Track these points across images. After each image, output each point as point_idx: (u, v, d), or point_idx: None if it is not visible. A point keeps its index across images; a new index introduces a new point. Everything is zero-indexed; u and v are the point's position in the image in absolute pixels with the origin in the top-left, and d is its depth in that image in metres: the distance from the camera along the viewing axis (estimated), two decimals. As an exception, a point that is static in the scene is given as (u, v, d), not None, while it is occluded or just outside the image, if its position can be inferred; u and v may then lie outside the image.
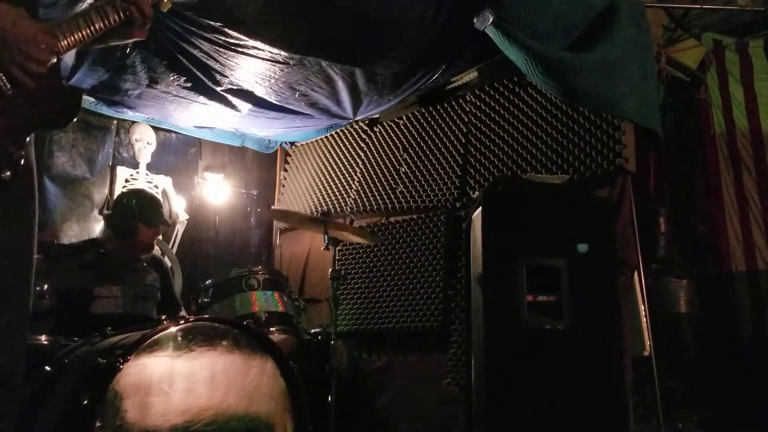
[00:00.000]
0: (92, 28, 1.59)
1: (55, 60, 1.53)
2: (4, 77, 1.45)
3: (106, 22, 1.61)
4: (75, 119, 1.65)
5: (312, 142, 4.75)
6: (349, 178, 4.34)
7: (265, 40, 2.97)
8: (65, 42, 1.54)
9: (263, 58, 3.16)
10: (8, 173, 1.46)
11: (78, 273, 2.81)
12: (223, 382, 2.19)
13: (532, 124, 3.33)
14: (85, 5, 1.61)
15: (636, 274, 2.90)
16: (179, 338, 2.14)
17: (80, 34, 1.57)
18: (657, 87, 3.05)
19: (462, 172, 3.61)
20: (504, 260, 2.45)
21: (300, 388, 2.34)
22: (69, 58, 3.08)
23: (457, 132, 3.73)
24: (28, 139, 1.54)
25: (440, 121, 3.85)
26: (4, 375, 1.52)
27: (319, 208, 4.37)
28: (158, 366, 2.06)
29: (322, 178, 4.55)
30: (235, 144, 4.74)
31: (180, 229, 4.29)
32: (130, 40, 1.76)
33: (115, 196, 3.94)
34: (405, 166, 3.97)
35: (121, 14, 1.63)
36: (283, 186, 4.94)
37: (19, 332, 1.59)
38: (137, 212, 2.98)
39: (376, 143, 4.22)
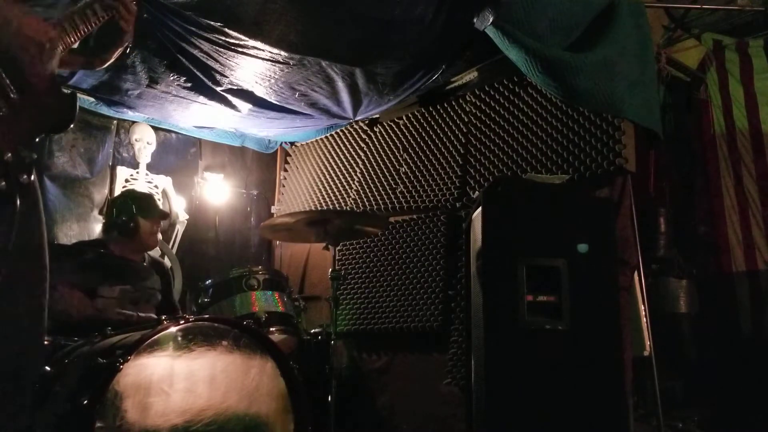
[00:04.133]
0: (89, 24, 1.60)
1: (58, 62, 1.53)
2: (8, 81, 1.45)
3: (95, 20, 1.62)
4: (73, 122, 1.65)
5: (312, 142, 4.75)
6: (349, 178, 4.34)
7: (265, 40, 2.97)
8: (70, 39, 1.55)
9: (263, 58, 3.16)
10: (26, 177, 1.49)
11: (78, 273, 2.81)
12: (223, 382, 2.19)
13: (532, 124, 3.33)
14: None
15: (636, 274, 2.90)
16: (179, 338, 2.14)
17: (80, 32, 1.57)
18: (657, 87, 3.04)
19: (462, 172, 3.61)
20: (504, 260, 2.44)
21: (300, 388, 2.34)
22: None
23: (457, 132, 3.73)
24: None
25: (440, 121, 3.85)
26: (21, 377, 1.53)
27: (319, 208, 4.37)
28: (158, 366, 2.06)
29: (322, 178, 4.55)
30: (235, 144, 4.74)
31: (180, 229, 4.29)
32: (123, 44, 1.78)
33: (114, 196, 3.94)
34: (405, 166, 3.96)
35: (106, 11, 1.64)
36: (283, 186, 4.94)
37: (36, 334, 1.60)
38: (134, 207, 3.03)
39: (376, 143, 4.22)
